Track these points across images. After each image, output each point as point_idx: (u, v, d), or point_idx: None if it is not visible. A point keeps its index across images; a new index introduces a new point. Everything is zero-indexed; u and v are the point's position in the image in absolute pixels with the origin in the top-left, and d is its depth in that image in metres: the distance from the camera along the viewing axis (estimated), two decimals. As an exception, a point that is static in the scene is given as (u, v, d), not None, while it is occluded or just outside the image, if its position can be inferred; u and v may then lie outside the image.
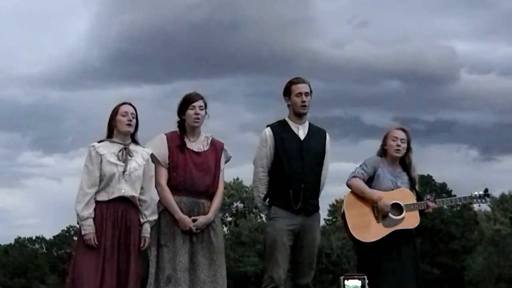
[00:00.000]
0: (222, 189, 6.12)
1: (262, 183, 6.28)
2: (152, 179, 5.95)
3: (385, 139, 6.57)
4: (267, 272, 6.21)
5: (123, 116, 5.85)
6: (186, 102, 6.00)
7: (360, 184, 6.46)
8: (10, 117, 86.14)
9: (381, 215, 6.39)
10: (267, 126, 6.34)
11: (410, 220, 6.40)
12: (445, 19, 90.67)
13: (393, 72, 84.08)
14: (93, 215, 5.73)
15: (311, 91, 6.31)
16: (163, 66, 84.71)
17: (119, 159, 5.82)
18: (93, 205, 5.75)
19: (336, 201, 57.27)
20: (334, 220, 58.13)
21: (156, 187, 5.96)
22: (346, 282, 6.73)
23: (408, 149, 6.54)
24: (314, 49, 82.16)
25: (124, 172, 5.80)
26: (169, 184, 5.94)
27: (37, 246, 66.34)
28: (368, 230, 6.41)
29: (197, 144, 6.04)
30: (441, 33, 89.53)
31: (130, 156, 5.86)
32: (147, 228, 5.89)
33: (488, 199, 6.70)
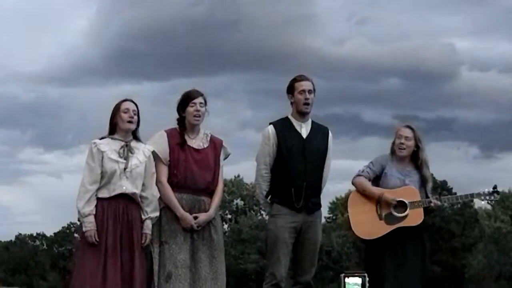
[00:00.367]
0: (221, 186, 6.13)
1: (265, 181, 6.28)
2: (153, 176, 5.94)
3: (395, 137, 6.57)
4: (269, 269, 6.22)
5: (125, 113, 5.85)
6: (186, 99, 6.00)
7: (364, 182, 6.48)
8: (10, 114, 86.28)
9: (384, 212, 6.40)
10: (270, 123, 6.33)
11: (414, 218, 6.38)
12: (445, 16, 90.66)
13: (393, 70, 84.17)
14: (94, 212, 5.73)
15: (314, 89, 6.31)
16: (162, 64, 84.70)
17: (120, 156, 5.82)
18: (94, 202, 5.75)
19: (337, 198, 57.35)
20: (334, 217, 58.17)
21: (156, 184, 5.95)
22: (346, 279, 6.74)
23: (418, 147, 6.50)
24: (314, 46, 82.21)
25: (125, 169, 5.80)
26: (169, 181, 5.94)
27: (37, 243, 66.41)
28: (370, 227, 6.42)
29: (197, 141, 6.04)
30: (442, 30, 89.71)
31: (132, 153, 5.86)
32: (148, 225, 5.88)
33: (497, 196, 6.65)
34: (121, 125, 5.86)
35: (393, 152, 6.57)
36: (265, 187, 6.29)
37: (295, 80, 6.29)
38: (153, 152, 5.95)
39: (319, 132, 6.37)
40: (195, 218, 5.89)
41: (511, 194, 55.17)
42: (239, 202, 61.44)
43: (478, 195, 6.64)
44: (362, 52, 79.58)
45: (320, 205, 6.41)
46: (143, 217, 5.88)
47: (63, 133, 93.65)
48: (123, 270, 5.70)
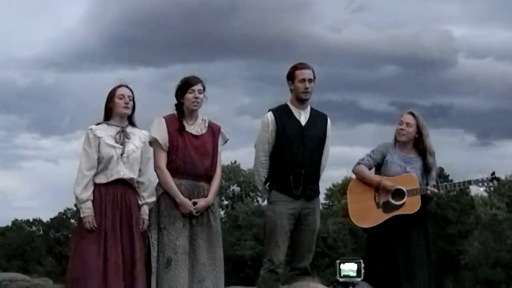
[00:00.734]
0: (220, 172, 6.14)
1: (264, 167, 6.29)
2: (149, 161, 5.96)
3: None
4: (267, 255, 6.24)
5: (120, 99, 5.84)
6: (185, 86, 5.99)
7: (363, 170, 6.49)
8: (7, 99, 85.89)
9: (382, 200, 6.40)
10: (269, 110, 6.33)
11: (411, 206, 6.37)
12: (442, 3, 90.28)
13: (390, 57, 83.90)
14: (92, 198, 5.74)
15: (314, 77, 6.30)
16: (159, 49, 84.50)
17: (117, 142, 5.82)
18: (92, 188, 5.76)
19: (333, 185, 57.38)
20: (330, 204, 58.25)
21: (155, 170, 5.96)
22: (342, 266, 6.75)
23: (420, 133, 6.49)
24: (311, 33, 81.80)
25: (122, 154, 5.81)
26: (168, 167, 5.94)
27: (34, 228, 66.38)
28: (367, 215, 6.44)
29: (195, 127, 6.04)
30: (439, 17, 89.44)
31: (128, 138, 5.86)
32: (145, 210, 5.91)
33: (496, 183, 6.62)
34: (117, 110, 5.85)
35: (396, 138, 6.56)
36: (264, 174, 6.30)
37: (296, 68, 6.28)
38: (153, 138, 5.95)
39: (318, 119, 6.37)
40: (194, 204, 5.89)
41: (507, 181, 55.24)
42: (235, 188, 61.46)
43: (477, 182, 6.62)
44: (359, 39, 79.36)
45: (318, 192, 6.42)
46: (139, 202, 5.89)
47: (60, 118, 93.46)
48: (124, 252, 5.72)
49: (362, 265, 6.55)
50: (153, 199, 5.94)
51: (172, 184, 5.90)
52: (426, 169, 6.51)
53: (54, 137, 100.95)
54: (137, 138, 5.92)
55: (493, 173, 6.62)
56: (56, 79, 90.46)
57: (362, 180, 6.50)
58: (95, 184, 5.78)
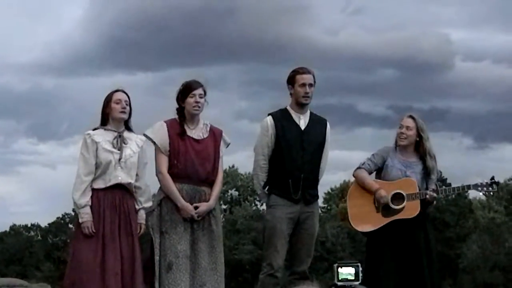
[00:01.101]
0: (221, 176, 6.13)
1: (263, 171, 6.29)
2: (146, 166, 5.98)
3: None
4: (266, 260, 6.24)
5: (117, 103, 5.84)
6: (186, 90, 5.99)
7: (363, 175, 6.47)
8: (4, 104, 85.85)
9: (381, 205, 6.39)
10: (269, 114, 6.34)
11: (410, 210, 6.36)
12: (440, 7, 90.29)
13: (388, 60, 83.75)
14: (90, 203, 5.73)
15: (314, 82, 6.30)
16: (157, 53, 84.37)
17: (114, 147, 5.83)
18: (90, 193, 5.76)
19: (331, 189, 57.42)
20: (329, 208, 58.25)
21: (157, 175, 5.96)
22: (339, 269, 6.76)
23: (420, 136, 6.47)
24: (308, 36, 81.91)
25: (120, 159, 5.81)
26: (170, 171, 5.93)
27: (32, 233, 66.33)
28: (367, 220, 6.43)
29: (196, 132, 6.03)
30: (436, 21, 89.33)
31: (125, 143, 5.87)
32: (142, 215, 5.93)
33: (495, 187, 6.60)
34: (114, 115, 5.85)
35: (397, 143, 6.55)
36: (263, 177, 6.30)
37: (296, 72, 6.28)
38: (153, 143, 5.95)
39: (318, 124, 6.37)
40: (196, 208, 5.89)
41: (505, 185, 55.27)
42: (233, 192, 61.43)
43: (476, 186, 6.60)
44: (357, 42, 79.48)
45: (317, 197, 6.43)
46: (136, 207, 5.91)
47: (58, 123, 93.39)
48: (123, 258, 5.71)
49: (360, 268, 6.55)
50: (150, 203, 5.96)
51: (173, 189, 5.89)
52: (426, 173, 6.49)
53: (52, 142, 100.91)
54: (134, 143, 5.93)
55: (493, 178, 6.60)
56: (54, 84, 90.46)
57: (361, 185, 6.49)
58: (93, 190, 5.78)
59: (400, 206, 6.36)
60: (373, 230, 6.44)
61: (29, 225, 66.70)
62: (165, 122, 6.02)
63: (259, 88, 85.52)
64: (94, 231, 5.69)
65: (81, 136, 5.91)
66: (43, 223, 65.99)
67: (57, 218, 64.09)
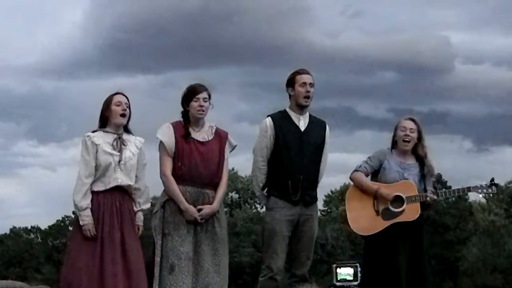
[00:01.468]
0: (226, 179, 6.11)
1: (262, 173, 6.29)
2: (145, 167, 5.98)
3: (395, 130, 6.50)
4: (265, 262, 6.23)
5: (117, 106, 5.85)
6: (190, 94, 5.99)
7: (361, 177, 6.43)
8: (4, 107, 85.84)
9: (381, 207, 6.36)
10: (268, 116, 6.34)
11: (410, 213, 6.33)
12: (439, 9, 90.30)
13: (387, 63, 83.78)
14: (90, 205, 5.73)
15: (314, 83, 6.31)
16: (157, 56, 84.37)
17: (114, 149, 5.82)
18: (90, 195, 5.75)
19: (332, 191, 57.39)
20: (329, 210, 58.22)
21: (161, 177, 5.97)
22: (338, 270, 6.74)
23: (419, 139, 6.45)
24: (308, 39, 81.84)
25: (119, 161, 5.80)
26: (173, 174, 5.93)
27: (32, 236, 66.31)
28: (367, 223, 6.37)
29: (201, 134, 6.03)
30: (436, 23, 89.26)
31: (124, 145, 5.87)
32: (140, 217, 5.94)
33: (495, 189, 6.60)
34: (114, 118, 5.85)
35: (393, 145, 6.53)
36: (262, 179, 6.30)
37: (296, 73, 6.30)
38: (160, 143, 5.95)
39: (317, 126, 6.38)
40: (199, 210, 5.89)
41: (506, 188, 55.26)
42: (233, 195, 61.41)
43: (476, 188, 6.59)
44: (356, 45, 79.41)
45: (316, 198, 6.42)
46: (135, 208, 5.90)
47: (57, 125, 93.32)
48: (122, 260, 5.69)
49: (359, 269, 6.53)
50: (148, 205, 5.98)
51: (177, 191, 5.89)
52: (423, 175, 6.48)
53: (52, 144, 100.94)
54: (133, 144, 5.93)
55: (492, 180, 6.60)
56: (54, 87, 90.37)
57: (360, 187, 6.47)
58: (93, 192, 5.77)
59: (400, 209, 6.34)
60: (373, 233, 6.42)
61: (29, 228, 66.69)
62: (171, 124, 6.03)
63: (259, 91, 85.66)
64: (95, 233, 5.69)
65: (81, 138, 5.90)
66: (43, 226, 65.98)
67: (57, 220, 64.09)
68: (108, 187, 5.78)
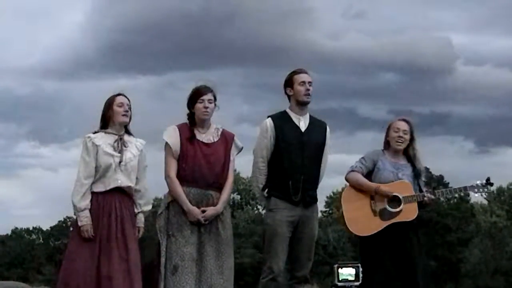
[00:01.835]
0: (231, 180, 6.10)
1: (262, 174, 6.28)
2: (146, 169, 5.99)
3: (388, 131, 6.51)
4: (266, 263, 6.22)
5: (119, 107, 5.85)
6: (195, 96, 6.00)
7: (358, 177, 6.41)
8: (6, 108, 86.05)
9: (379, 207, 6.36)
10: (268, 116, 6.33)
11: (408, 213, 6.32)
12: (441, 10, 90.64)
13: (388, 64, 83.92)
14: (89, 206, 5.73)
15: (312, 82, 6.31)
16: (158, 57, 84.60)
17: (114, 150, 5.83)
18: (89, 196, 5.75)
19: (333, 192, 57.36)
20: (330, 211, 58.22)
21: (165, 179, 5.97)
22: (340, 270, 6.73)
23: (412, 140, 6.47)
24: (309, 40, 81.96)
25: (120, 162, 5.81)
26: (178, 175, 5.94)
27: (34, 236, 66.39)
28: (364, 223, 6.34)
29: (207, 136, 6.03)
30: (437, 24, 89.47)
31: (125, 146, 5.87)
32: (141, 218, 5.95)
33: (490, 188, 6.62)
34: (116, 119, 5.86)
35: (386, 146, 6.55)
36: (262, 180, 6.29)
37: (294, 73, 6.30)
38: (166, 145, 5.95)
39: (317, 126, 6.37)
40: (203, 212, 5.89)
41: (507, 189, 55.26)
42: (235, 196, 61.42)
43: (472, 187, 6.61)
44: (357, 46, 79.51)
45: (316, 199, 6.40)
46: (135, 210, 5.91)
47: (59, 126, 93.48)
48: (121, 261, 5.69)
49: (360, 269, 6.50)
50: (149, 207, 5.99)
51: (180, 193, 5.89)
52: (416, 175, 6.48)
53: (54, 146, 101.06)
54: (134, 146, 5.93)
55: (488, 179, 6.61)
56: (55, 88, 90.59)
57: (357, 187, 6.44)
58: (93, 193, 5.78)
59: (398, 209, 6.33)
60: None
61: (30, 229, 66.81)
62: (177, 126, 6.04)
63: (260, 92, 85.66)
64: (93, 234, 5.69)
65: (82, 139, 5.90)
66: (45, 227, 66.14)
67: (59, 221, 64.21)
68: (108, 188, 5.79)
